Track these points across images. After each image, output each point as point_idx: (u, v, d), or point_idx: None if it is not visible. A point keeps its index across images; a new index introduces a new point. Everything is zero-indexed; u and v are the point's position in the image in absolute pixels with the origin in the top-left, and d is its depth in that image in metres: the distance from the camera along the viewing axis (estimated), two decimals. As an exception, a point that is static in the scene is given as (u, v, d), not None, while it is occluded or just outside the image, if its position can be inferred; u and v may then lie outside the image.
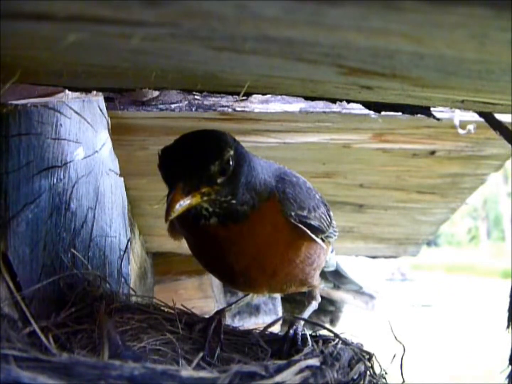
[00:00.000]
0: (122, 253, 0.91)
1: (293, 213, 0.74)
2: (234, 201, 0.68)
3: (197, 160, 0.64)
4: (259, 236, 0.72)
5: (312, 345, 0.68)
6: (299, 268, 0.79)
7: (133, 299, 0.81)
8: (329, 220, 0.84)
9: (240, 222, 0.70)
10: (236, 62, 0.49)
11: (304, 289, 0.86)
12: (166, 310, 0.77)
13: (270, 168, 0.76)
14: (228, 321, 0.82)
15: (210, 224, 0.69)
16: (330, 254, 0.94)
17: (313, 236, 0.77)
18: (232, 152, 0.66)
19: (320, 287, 0.91)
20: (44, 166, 0.74)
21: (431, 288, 10.66)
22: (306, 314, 0.85)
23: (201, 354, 0.66)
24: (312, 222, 0.77)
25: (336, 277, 1.12)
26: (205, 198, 0.65)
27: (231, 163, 0.66)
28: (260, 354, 0.72)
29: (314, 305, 0.88)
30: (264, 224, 0.72)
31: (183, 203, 0.62)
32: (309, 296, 0.88)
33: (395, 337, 0.70)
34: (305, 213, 0.76)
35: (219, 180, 0.65)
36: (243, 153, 0.70)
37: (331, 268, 1.05)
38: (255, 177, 0.71)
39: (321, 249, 0.81)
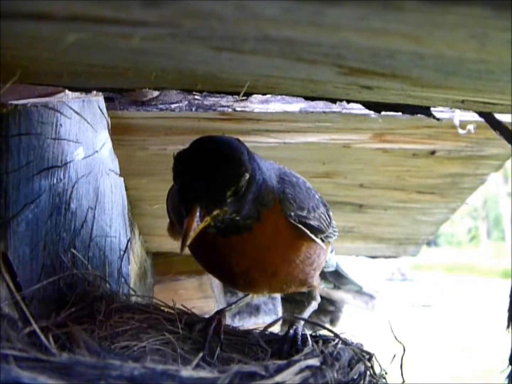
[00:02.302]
0: (122, 253, 0.92)
1: (292, 213, 0.74)
2: (237, 218, 0.68)
3: (216, 186, 0.63)
4: (260, 240, 0.72)
5: (312, 345, 0.68)
6: (299, 268, 0.79)
7: (133, 299, 0.81)
8: (328, 220, 0.84)
9: (242, 234, 0.70)
10: (236, 62, 0.49)
11: (304, 289, 0.86)
12: (166, 310, 0.77)
13: (273, 171, 0.76)
14: (228, 321, 0.82)
15: (209, 233, 0.68)
16: (329, 254, 0.94)
17: (312, 236, 0.77)
18: (248, 176, 0.66)
19: (320, 287, 0.91)
20: (44, 166, 0.74)
21: (431, 288, 10.66)
22: (306, 314, 0.85)
23: (201, 354, 0.66)
24: (312, 222, 0.77)
25: (336, 277, 1.12)
26: (214, 220, 0.65)
27: (244, 186, 0.66)
28: (260, 354, 0.72)
29: (314, 305, 0.88)
30: (265, 229, 0.72)
31: (196, 228, 0.62)
32: (309, 296, 0.88)
33: (395, 337, 0.70)
34: (304, 213, 0.76)
35: (228, 201, 0.65)
36: (254, 170, 0.68)
37: (331, 269, 1.05)
38: (263, 189, 0.70)
39: (320, 249, 0.81)
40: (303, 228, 0.75)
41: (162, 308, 0.78)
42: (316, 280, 0.86)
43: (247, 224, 0.69)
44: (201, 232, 0.64)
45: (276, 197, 0.73)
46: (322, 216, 0.81)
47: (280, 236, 0.74)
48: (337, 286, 1.16)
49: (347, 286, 1.19)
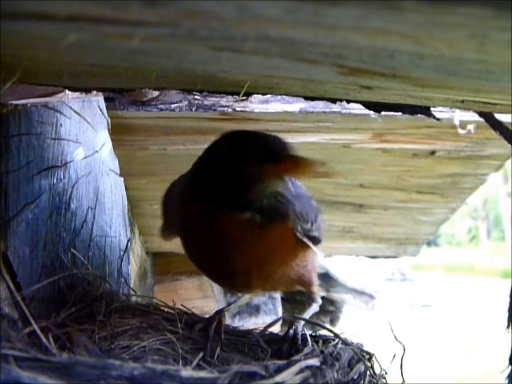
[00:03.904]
0: (122, 253, 0.91)
1: (299, 227, 0.74)
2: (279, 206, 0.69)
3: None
4: (270, 242, 0.72)
5: (312, 345, 0.68)
6: (294, 271, 0.79)
7: (133, 299, 0.81)
8: (323, 226, 0.84)
9: (272, 225, 0.69)
10: (236, 62, 0.49)
11: (302, 288, 0.86)
12: (166, 310, 0.77)
13: None
14: (228, 321, 0.82)
15: (239, 217, 0.67)
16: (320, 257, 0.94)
17: (314, 248, 0.78)
18: None
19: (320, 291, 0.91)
20: (44, 166, 0.74)
21: (431, 288, 10.65)
22: (307, 315, 0.85)
23: (201, 354, 0.66)
24: (314, 234, 0.77)
25: (325, 280, 1.11)
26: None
27: None
28: (260, 354, 0.72)
29: (315, 307, 0.88)
30: (276, 234, 0.72)
31: None
32: (309, 298, 0.88)
33: (395, 337, 0.70)
34: (308, 226, 0.76)
35: None
36: None
37: (321, 271, 1.05)
38: None
39: (315, 254, 0.82)
40: (308, 242, 0.76)
41: (162, 308, 0.78)
42: (314, 282, 0.86)
43: (270, 220, 0.69)
44: (217, 215, 0.65)
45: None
46: (321, 224, 0.81)
47: (285, 245, 0.74)
48: (326, 289, 1.15)
49: (336, 288, 1.18)
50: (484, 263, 13.49)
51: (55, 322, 0.64)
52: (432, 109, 0.73)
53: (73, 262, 0.76)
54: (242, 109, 1.08)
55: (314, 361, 0.55)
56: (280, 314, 2.30)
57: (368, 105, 0.71)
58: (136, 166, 1.27)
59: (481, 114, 0.75)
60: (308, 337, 0.72)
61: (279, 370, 0.49)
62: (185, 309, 0.79)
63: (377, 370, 0.69)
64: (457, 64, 0.44)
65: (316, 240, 0.79)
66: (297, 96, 0.72)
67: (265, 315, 2.29)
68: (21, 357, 0.42)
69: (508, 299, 0.75)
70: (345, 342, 0.69)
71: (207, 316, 0.80)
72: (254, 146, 0.65)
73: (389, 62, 0.44)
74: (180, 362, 0.68)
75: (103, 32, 0.39)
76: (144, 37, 0.39)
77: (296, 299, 2.33)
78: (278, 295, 2.31)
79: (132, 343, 0.68)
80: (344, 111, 1.07)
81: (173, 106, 1.06)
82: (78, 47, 0.43)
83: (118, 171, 0.97)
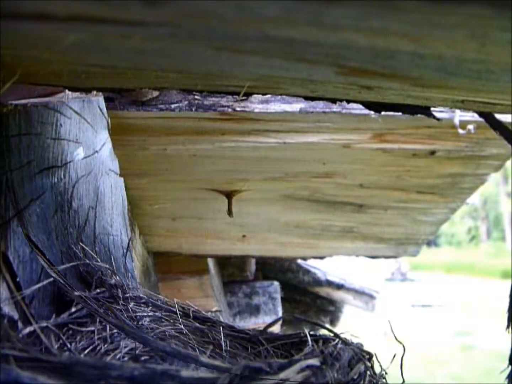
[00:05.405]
0: (125, 251, 0.91)
1: None
2: None
3: None
4: None
5: (312, 345, 0.68)
6: None
7: (142, 292, 0.81)
8: None
9: None
10: (236, 62, 0.49)
11: None
12: (173, 304, 0.78)
13: None
14: (229, 320, 0.83)
15: None
16: None
17: None
18: None
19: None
20: (45, 165, 0.74)
21: (431, 288, 10.66)
22: None
23: (211, 347, 0.67)
24: None
25: None
26: None
27: None
28: (262, 352, 0.72)
29: None
30: None
31: None
32: None
33: (395, 337, 0.70)
34: None
35: None
36: None
37: None
38: None
39: None
40: None
41: (169, 302, 0.78)
42: None
43: None
44: None
45: None
46: None
47: None
48: None
49: None
50: (484, 263, 13.49)
51: (55, 322, 0.64)
52: (432, 109, 0.73)
53: (84, 253, 0.77)
54: (242, 109, 1.08)
55: (314, 361, 0.55)
56: (280, 314, 2.30)
57: (368, 105, 0.71)
58: (136, 166, 1.27)
59: (481, 114, 0.75)
60: (308, 337, 0.72)
61: (282, 368, 0.49)
62: (191, 305, 0.79)
63: (377, 370, 0.69)
64: (457, 64, 0.44)
65: None
66: (297, 96, 0.72)
67: (265, 315, 2.28)
68: (21, 357, 0.42)
69: (508, 299, 0.75)
70: (345, 342, 0.69)
71: (209, 314, 0.81)
72: None
73: (389, 62, 0.44)
74: (197, 350, 0.69)
75: (103, 32, 0.39)
76: (144, 37, 0.39)
77: (296, 299, 2.33)
78: (278, 295, 2.31)
79: (154, 327, 0.70)
80: (344, 111, 1.07)
81: (173, 106, 1.06)
82: (78, 47, 0.43)
83: (118, 171, 0.96)
